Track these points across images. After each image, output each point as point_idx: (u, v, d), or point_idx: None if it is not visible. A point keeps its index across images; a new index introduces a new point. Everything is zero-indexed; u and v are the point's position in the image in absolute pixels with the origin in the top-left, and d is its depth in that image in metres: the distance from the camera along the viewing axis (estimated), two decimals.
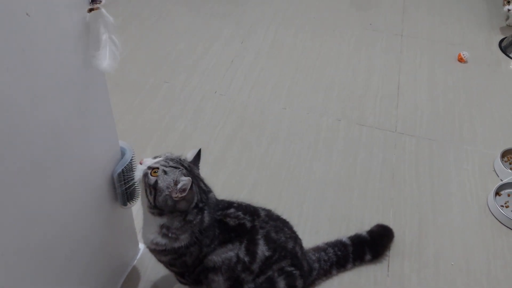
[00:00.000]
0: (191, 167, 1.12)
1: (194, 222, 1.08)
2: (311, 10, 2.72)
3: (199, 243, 1.10)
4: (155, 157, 1.10)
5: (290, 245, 1.22)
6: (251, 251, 1.14)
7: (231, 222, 1.15)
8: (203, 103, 2.05)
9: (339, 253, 1.41)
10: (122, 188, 1.13)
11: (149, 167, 1.06)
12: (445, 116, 2.04)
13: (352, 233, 1.48)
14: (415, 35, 2.54)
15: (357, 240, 1.45)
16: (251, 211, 1.21)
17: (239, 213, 1.18)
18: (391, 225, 1.54)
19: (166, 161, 1.07)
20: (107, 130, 1.07)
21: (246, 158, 1.81)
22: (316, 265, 1.37)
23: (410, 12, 2.73)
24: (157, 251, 1.12)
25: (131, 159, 1.13)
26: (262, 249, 1.15)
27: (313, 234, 1.54)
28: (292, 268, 1.21)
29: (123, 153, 1.14)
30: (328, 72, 2.26)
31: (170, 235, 1.08)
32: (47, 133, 0.84)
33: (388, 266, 1.46)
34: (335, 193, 1.69)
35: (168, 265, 1.18)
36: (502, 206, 1.65)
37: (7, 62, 0.69)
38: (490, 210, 1.64)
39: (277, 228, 1.21)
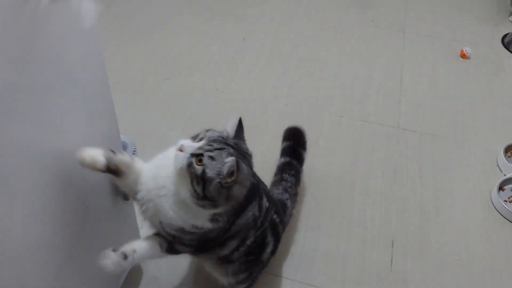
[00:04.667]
0: (237, 143, 0.96)
1: None
2: (312, 6, 2.71)
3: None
4: (194, 138, 0.95)
5: (263, 187, 1.23)
6: (260, 206, 1.11)
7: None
8: (205, 100, 2.04)
9: (292, 172, 1.47)
10: None
11: (192, 154, 0.90)
12: (448, 111, 2.03)
13: (356, 230, 1.48)
14: (418, 32, 2.53)
15: (290, 150, 1.52)
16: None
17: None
18: (393, 220, 1.54)
19: (209, 145, 0.91)
20: (108, 123, 1.07)
21: None
22: (286, 195, 1.41)
23: (412, 8, 2.72)
24: (184, 232, 0.97)
25: (132, 152, 1.13)
26: (265, 201, 1.15)
27: (314, 229, 1.54)
28: (275, 216, 1.23)
29: (124, 147, 1.14)
30: (330, 68, 2.26)
31: (219, 218, 0.96)
32: (47, 125, 0.83)
33: (391, 261, 1.46)
34: (337, 188, 1.68)
35: (183, 240, 1.02)
36: (505, 201, 1.64)
37: (7, 53, 0.67)
38: (494, 205, 1.63)
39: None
